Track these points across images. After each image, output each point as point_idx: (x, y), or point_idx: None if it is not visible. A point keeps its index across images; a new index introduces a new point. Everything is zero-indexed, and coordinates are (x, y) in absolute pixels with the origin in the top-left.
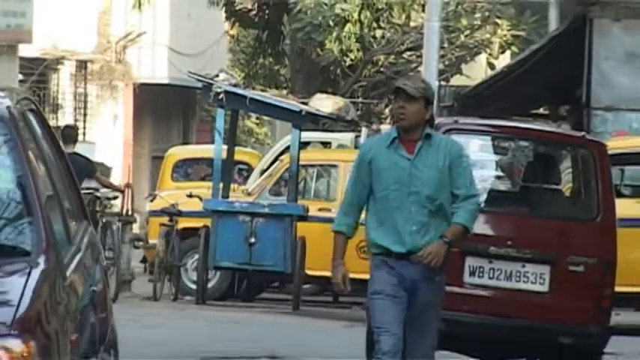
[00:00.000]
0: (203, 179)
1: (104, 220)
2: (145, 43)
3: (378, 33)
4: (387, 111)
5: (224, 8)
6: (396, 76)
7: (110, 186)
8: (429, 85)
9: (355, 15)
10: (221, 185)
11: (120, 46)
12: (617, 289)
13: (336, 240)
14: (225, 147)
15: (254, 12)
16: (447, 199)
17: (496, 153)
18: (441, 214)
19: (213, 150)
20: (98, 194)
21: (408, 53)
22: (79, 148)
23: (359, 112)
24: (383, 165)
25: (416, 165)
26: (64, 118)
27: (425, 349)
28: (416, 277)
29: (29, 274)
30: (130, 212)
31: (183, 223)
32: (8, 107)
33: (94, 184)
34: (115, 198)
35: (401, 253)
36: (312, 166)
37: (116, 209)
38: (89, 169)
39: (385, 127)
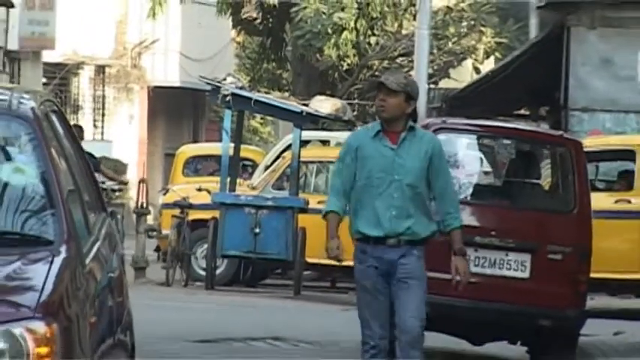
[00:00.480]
0: (212, 174)
1: (110, 210)
2: (158, 49)
3: (373, 40)
4: None
5: (231, 17)
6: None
7: (114, 178)
8: (411, 81)
9: (352, 23)
10: (228, 180)
11: (135, 52)
12: (592, 275)
13: (329, 221)
14: (232, 145)
15: (259, 21)
16: (425, 188)
17: (481, 150)
18: (420, 201)
19: (221, 147)
20: (104, 186)
21: (401, 59)
22: (97, 147)
23: (355, 113)
24: (368, 153)
25: (399, 154)
26: (84, 118)
27: (407, 319)
28: (392, 257)
29: (52, 262)
30: (144, 205)
31: (194, 215)
32: (32, 108)
33: (100, 177)
34: (120, 190)
35: (378, 237)
36: (312, 162)
37: (121, 200)
38: (94, 163)
39: None
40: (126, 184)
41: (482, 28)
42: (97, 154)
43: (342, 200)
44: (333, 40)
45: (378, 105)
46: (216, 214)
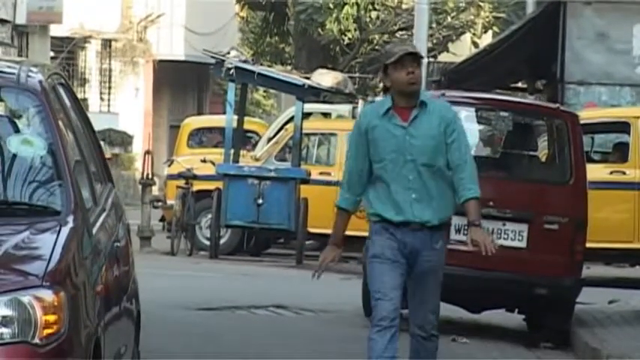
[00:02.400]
0: (216, 146)
1: None
2: (163, 23)
3: (374, 14)
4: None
5: None
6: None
7: None
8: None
9: None
10: (232, 151)
11: (141, 26)
12: (588, 245)
13: (337, 219)
14: (235, 117)
15: None
16: (444, 164)
17: (479, 123)
18: (440, 181)
19: (224, 120)
20: None
21: (400, 33)
22: (104, 119)
23: (356, 86)
24: (378, 135)
25: (410, 132)
26: (91, 91)
27: (425, 314)
28: (417, 245)
29: (59, 231)
30: (149, 176)
31: (198, 186)
32: (40, 81)
33: None
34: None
35: (401, 222)
36: (314, 134)
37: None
38: None
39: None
40: (110, 159)
41: (481, 3)
42: (104, 126)
43: (354, 191)
44: (334, 15)
45: (408, 79)
46: (220, 184)
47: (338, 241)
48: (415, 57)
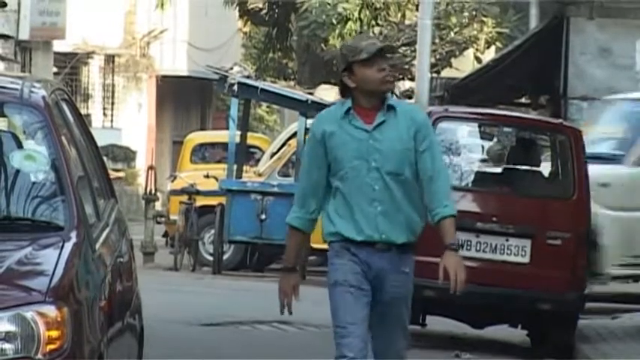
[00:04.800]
0: (219, 161)
1: None
2: (166, 39)
3: (376, 30)
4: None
5: (238, 7)
6: (391, 70)
7: None
8: None
9: (356, 14)
10: (235, 167)
11: (144, 41)
12: None
13: (290, 238)
14: (238, 132)
15: (264, 11)
16: (412, 174)
17: (483, 138)
18: (409, 192)
19: (227, 135)
20: None
21: (403, 48)
22: (107, 134)
23: None
24: (337, 140)
25: (375, 137)
26: (94, 106)
27: (395, 351)
28: (382, 267)
29: (62, 247)
30: (153, 191)
31: (201, 201)
32: (43, 97)
33: None
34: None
35: (365, 241)
36: None
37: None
38: None
39: None
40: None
41: (484, 19)
42: (107, 142)
43: (307, 208)
44: (337, 30)
45: (382, 76)
46: (223, 200)
47: (292, 264)
48: (385, 52)
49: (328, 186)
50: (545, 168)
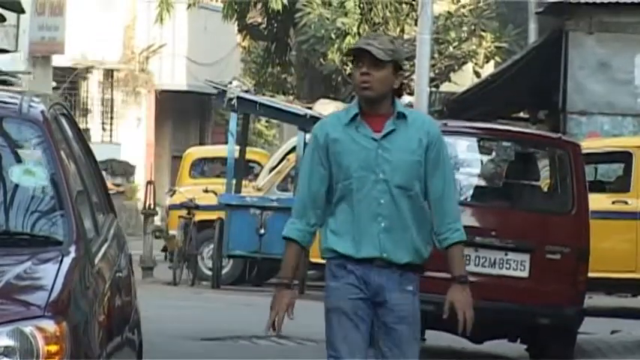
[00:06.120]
0: (218, 176)
1: None
2: (165, 53)
3: None
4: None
5: (237, 22)
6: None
7: None
8: (398, 47)
9: (354, 28)
10: (234, 181)
11: (143, 56)
12: (590, 274)
13: (287, 252)
14: (237, 147)
15: (263, 25)
16: (422, 189)
17: (482, 152)
18: (417, 208)
19: (226, 150)
20: None
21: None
22: (106, 149)
23: None
24: (342, 147)
25: (384, 146)
26: (93, 121)
27: None
28: (381, 283)
29: (61, 261)
30: (152, 206)
31: (200, 216)
32: (42, 111)
33: None
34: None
35: (364, 258)
36: None
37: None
38: None
39: None
40: None
41: (483, 33)
42: (106, 157)
43: (307, 219)
44: (336, 45)
45: (360, 80)
46: (222, 214)
47: (288, 280)
48: (372, 56)
49: (328, 197)
50: (545, 182)
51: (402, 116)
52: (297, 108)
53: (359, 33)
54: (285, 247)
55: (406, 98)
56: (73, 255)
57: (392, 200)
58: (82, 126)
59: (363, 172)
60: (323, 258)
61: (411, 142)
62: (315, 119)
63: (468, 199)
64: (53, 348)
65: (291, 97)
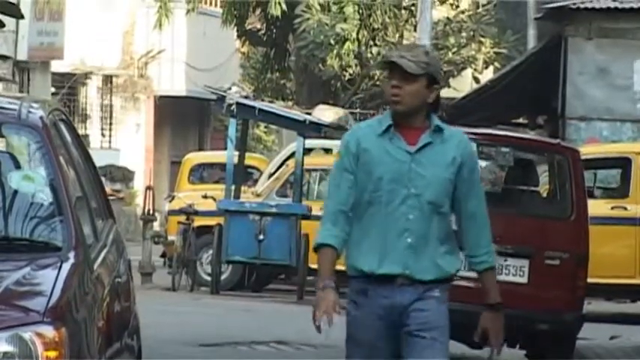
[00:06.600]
0: (217, 182)
1: None
2: (164, 59)
3: (375, 50)
4: None
5: (236, 28)
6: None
7: None
8: (433, 59)
9: (354, 34)
10: (233, 187)
11: (142, 62)
12: (589, 280)
13: (322, 257)
14: (236, 153)
15: (263, 31)
16: (450, 208)
17: (480, 158)
18: (444, 225)
19: (225, 155)
20: None
21: None
22: (105, 155)
23: (357, 122)
24: (375, 157)
25: (418, 160)
26: (92, 127)
27: None
28: (405, 302)
29: (60, 267)
30: (151, 212)
31: (199, 222)
32: (41, 117)
33: None
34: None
35: (386, 275)
36: (315, 170)
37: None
38: None
39: None
40: None
41: (482, 39)
42: (105, 162)
43: (341, 226)
44: (335, 51)
45: (391, 94)
46: (221, 220)
47: (333, 281)
48: (402, 69)
49: (354, 208)
50: (544, 188)
51: (438, 130)
52: (297, 114)
53: (358, 39)
54: (320, 255)
55: None
56: (72, 261)
57: (421, 216)
58: (80, 132)
59: (395, 185)
60: (348, 274)
61: (446, 158)
62: (314, 125)
63: None
64: (52, 354)
65: (290, 103)
